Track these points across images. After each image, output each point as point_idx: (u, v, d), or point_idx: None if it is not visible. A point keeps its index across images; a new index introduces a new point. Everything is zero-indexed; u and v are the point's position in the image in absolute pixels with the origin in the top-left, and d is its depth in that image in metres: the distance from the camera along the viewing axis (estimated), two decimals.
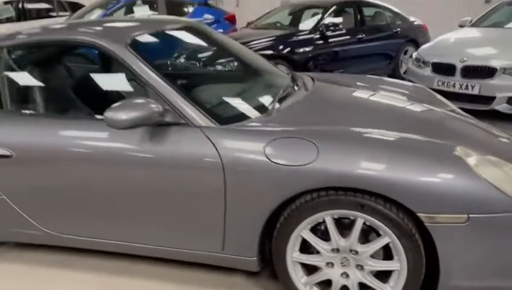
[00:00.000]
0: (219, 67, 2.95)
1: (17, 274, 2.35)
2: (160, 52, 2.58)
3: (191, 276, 2.26)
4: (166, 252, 2.09)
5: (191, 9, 8.17)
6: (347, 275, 1.85)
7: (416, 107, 2.40)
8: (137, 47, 2.10)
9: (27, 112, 2.29)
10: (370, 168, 1.67)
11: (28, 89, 2.30)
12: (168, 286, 2.20)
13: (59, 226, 2.19)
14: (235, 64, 2.85)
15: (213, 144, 1.84)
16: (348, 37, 6.68)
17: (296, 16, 7.62)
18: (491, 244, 1.63)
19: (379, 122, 2.04)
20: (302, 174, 1.72)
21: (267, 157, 1.77)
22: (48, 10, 8.80)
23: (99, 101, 2.12)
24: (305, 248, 1.89)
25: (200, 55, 3.05)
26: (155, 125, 1.90)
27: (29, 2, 8.59)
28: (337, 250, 1.82)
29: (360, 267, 1.82)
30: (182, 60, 3.04)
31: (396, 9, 7.86)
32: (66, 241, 2.23)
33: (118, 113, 1.77)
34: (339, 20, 6.68)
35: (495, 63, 4.77)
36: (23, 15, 8.48)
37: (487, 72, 4.78)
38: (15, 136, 2.10)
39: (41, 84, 2.34)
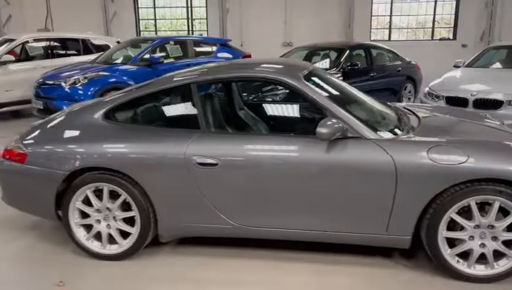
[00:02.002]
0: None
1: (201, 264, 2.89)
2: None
3: (334, 259, 2.89)
4: (339, 236, 2.71)
5: (214, 48, 8.94)
6: (484, 245, 2.55)
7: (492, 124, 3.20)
8: (308, 82, 2.80)
9: (220, 130, 2.88)
10: (506, 163, 2.41)
11: (218, 114, 2.91)
12: (316, 266, 2.81)
13: (247, 220, 2.77)
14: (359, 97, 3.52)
15: (385, 151, 2.54)
16: (363, 74, 7.66)
17: (310, 56, 8.58)
18: None
19: (481, 134, 2.83)
20: (457, 170, 2.44)
21: (430, 159, 2.48)
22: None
23: (281, 122, 2.77)
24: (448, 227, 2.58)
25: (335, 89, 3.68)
26: (338, 139, 2.58)
27: (56, 42, 9.08)
28: (478, 226, 2.53)
29: (494, 238, 2.53)
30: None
31: (395, 51, 8.98)
32: (251, 232, 2.80)
33: (322, 129, 2.45)
34: (357, 60, 7.67)
35: (500, 97, 5.80)
36: (51, 54, 8.96)
37: (495, 103, 5.79)
38: (220, 149, 2.70)
39: (228, 110, 2.96)
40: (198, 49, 8.67)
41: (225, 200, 2.75)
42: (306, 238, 2.80)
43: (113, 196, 2.87)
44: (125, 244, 2.92)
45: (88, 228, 2.98)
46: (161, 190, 2.78)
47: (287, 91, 3.84)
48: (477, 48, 11.09)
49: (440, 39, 11.56)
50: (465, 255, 2.62)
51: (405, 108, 3.52)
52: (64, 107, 7.10)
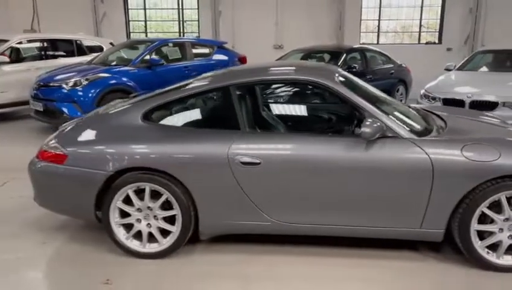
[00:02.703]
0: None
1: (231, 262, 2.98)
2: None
3: (361, 253, 3.03)
4: (375, 231, 2.85)
5: (211, 50, 9.00)
6: None
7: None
8: (342, 84, 2.94)
9: (260, 130, 2.97)
10: None
11: (256, 114, 3.00)
12: (348, 261, 2.95)
13: (287, 217, 2.87)
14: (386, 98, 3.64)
15: (422, 149, 2.69)
16: (360, 77, 7.85)
17: (305, 59, 8.76)
18: None
19: (503, 133, 3.03)
20: (490, 167, 2.61)
21: (464, 157, 2.65)
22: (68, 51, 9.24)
23: (318, 122, 2.89)
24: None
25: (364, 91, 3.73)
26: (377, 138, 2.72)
27: (50, 43, 8.96)
28: (507, 219, 2.71)
29: None
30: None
31: (388, 54, 9.26)
32: (290, 229, 2.91)
33: (367, 129, 2.59)
34: (353, 63, 7.88)
35: (493, 98, 6.10)
36: (44, 55, 8.84)
37: (490, 105, 6.08)
38: (262, 148, 2.80)
39: (261, 110, 3.06)
40: (196, 51, 8.71)
41: (266, 197, 2.85)
42: (343, 234, 2.93)
43: (153, 195, 2.92)
44: (165, 242, 2.98)
45: (127, 227, 3.02)
46: (204, 189, 2.85)
47: (291, 92, 3.96)
48: (461, 51, 11.54)
49: (426, 43, 11.94)
50: (494, 247, 2.79)
51: (424, 109, 3.70)
52: (64, 109, 7.07)
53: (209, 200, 2.88)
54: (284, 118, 3.30)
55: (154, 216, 2.96)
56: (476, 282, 2.75)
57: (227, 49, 9.43)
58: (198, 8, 12.41)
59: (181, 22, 12.79)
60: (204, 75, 3.25)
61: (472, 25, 11.29)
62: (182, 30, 12.83)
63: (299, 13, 11.88)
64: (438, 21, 11.80)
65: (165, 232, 3.00)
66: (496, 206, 2.72)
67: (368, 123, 2.63)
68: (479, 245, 2.77)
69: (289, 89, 3.70)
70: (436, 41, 11.88)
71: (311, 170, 2.77)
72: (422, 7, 11.82)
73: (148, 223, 2.98)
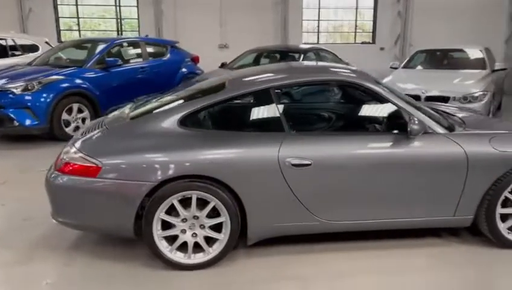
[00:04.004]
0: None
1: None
2: None
3: (394, 244, 3.22)
4: (415, 222, 3.04)
5: (165, 50, 8.72)
6: None
7: None
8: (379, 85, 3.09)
9: (304, 131, 2.97)
10: None
11: (297, 115, 3.01)
12: (383, 252, 3.12)
13: (335, 215, 2.94)
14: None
15: (457, 143, 2.93)
16: None
17: (258, 59, 8.92)
18: None
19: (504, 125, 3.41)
20: None
21: (493, 148, 2.94)
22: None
23: (357, 121, 3.00)
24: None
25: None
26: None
27: None
28: None
29: None
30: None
31: (336, 54, 9.73)
32: (337, 227, 2.98)
33: (415, 126, 2.76)
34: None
35: (446, 94, 6.74)
36: None
37: (443, 99, 6.70)
38: (312, 149, 2.83)
39: (309, 111, 3.08)
40: (150, 50, 8.37)
41: (315, 198, 2.89)
42: (385, 227, 3.08)
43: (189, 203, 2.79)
44: (212, 251, 2.88)
45: (169, 239, 2.86)
46: (254, 193, 2.81)
47: (328, 93, 4.08)
48: (392, 50, 12.52)
49: (362, 43, 12.74)
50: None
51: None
52: (14, 116, 6.33)
53: (259, 204, 2.84)
54: (324, 118, 3.37)
55: (201, 225, 2.85)
56: (498, 258, 3.06)
57: (179, 49, 9.20)
58: (137, 6, 11.89)
59: (119, 20, 12.16)
60: (242, 77, 3.17)
61: (401, 26, 12.27)
62: (119, 29, 12.20)
63: (243, 13, 11.95)
64: (371, 23, 12.64)
65: (209, 241, 2.90)
66: None
67: (416, 121, 2.80)
68: (502, 227, 3.09)
69: (326, 89, 3.78)
70: (371, 41, 12.72)
71: (359, 167, 2.87)
72: (357, 9, 12.58)
73: (194, 233, 2.86)
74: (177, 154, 2.74)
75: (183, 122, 2.92)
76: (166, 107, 3.09)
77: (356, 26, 12.75)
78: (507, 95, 10.25)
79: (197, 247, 2.88)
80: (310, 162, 2.81)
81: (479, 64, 8.01)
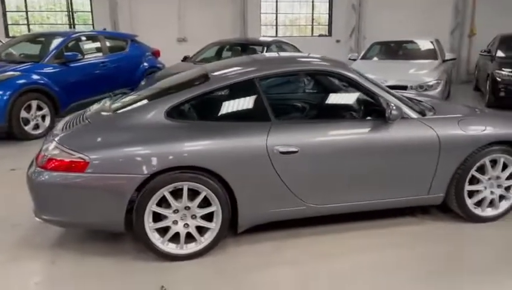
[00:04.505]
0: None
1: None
2: None
3: (377, 224, 3.42)
4: (393, 202, 3.23)
5: (125, 44, 8.51)
6: (493, 193, 3.37)
7: None
8: (357, 74, 3.24)
9: (289, 120, 3.06)
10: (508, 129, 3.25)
11: (281, 104, 3.09)
12: (369, 232, 3.32)
13: (321, 200, 3.07)
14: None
15: (430, 127, 3.15)
16: None
17: (220, 52, 8.95)
18: None
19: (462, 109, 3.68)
20: (480, 136, 3.19)
21: (461, 130, 3.18)
22: None
23: (336, 109, 3.14)
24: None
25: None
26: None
27: None
28: (490, 178, 3.33)
29: (500, 186, 3.37)
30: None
31: (297, 47, 9.90)
32: (323, 210, 3.11)
33: (395, 112, 2.95)
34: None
35: (404, 83, 7.11)
36: None
37: (401, 88, 7.06)
38: (299, 137, 2.93)
39: (293, 100, 3.16)
40: (109, 44, 8.13)
41: (302, 183, 3.00)
42: (366, 208, 3.25)
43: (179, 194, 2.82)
44: (203, 240, 2.92)
45: (160, 230, 2.87)
46: (244, 182, 2.87)
47: (309, 82, 4.20)
48: (348, 43, 12.91)
49: (319, 35, 13.03)
50: (478, 203, 3.41)
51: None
52: None
53: (249, 192, 2.91)
54: (306, 107, 3.47)
55: (192, 215, 2.88)
56: (462, 228, 3.34)
57: (140, 43, 9.01)
58: None
59: (70, 12, 11.67)
60: (228, 68, 3.22)
61: (356, 19, 12.68)
62: (71, 22, 11.71)
63: (202, 6, 11.85)
64: (327, 16, 12.96)
65: (200, 231, 2.93)
66: (481, 169, 3.32)
67: (394, 107, 2.98)
68: (469, 203, 3.36)
69: (307, 79, 3.87)
70: (327, 34, 13.04)
71: (342, 153, 3.01)
72: (313, 2, 12.84)
73: (185, 224, 2.88)
74: (167, 146, 2.75)
75: (170, 114, 2.92)
76: (151, 99, 3.08)
77: (313, 19, 13.02)
78: (454, 84, 10.94)
79: (189, 237, 2.91)
80: (296, 149, 2.92)
81: (431, 54, 8.49)
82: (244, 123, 2.98)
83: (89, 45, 7.72)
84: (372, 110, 3.21)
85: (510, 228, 3.38)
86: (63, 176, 2.70)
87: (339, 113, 3.18)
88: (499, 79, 8.14)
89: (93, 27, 11.50)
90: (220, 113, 3.08)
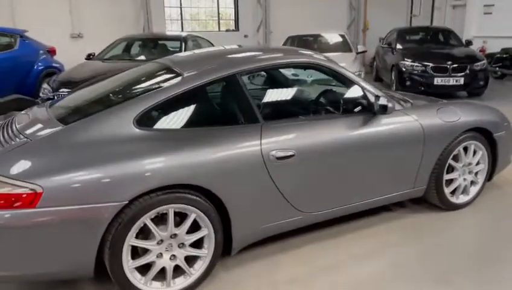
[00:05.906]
0: None
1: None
2: None
3: (361, 225, 3.26)
4: (384, 199, 3.07)
5: (13, 40, 7.23)
6: (465, 179, 3.42)
7: None
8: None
9: (279, 120, 2.66)
10: (481, 116, 3.30)
11: (267, 102, 2.67)
12: (363, 232, 3.14)
13: (316, 206, 2.75)
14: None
15: (412, 117, 3.04)
16: None
17: (129, 49, 8.11)
18: None
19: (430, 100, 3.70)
20: (457, 125, 3.18)
21: (440, 119, 3.13)
22: None
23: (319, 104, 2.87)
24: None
25: None
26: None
27: None
28: (463, 165, 3.36)
29: (471, 172, 3.42)
30: None
31: (211, 42, 9.47)
32: (319, 217, 2.80)
33: (390, 104, 2.77)
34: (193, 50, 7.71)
35: None
36: None
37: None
38: (294, 138, 2.57)
39: (276, 98, 2.76)
40: None
41: (298, 190, 2.66)
42: (359, 209, 3.03)
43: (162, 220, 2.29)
44: (194, 272, 2.41)
45: (140, 268, 2.29)
46: (238, 196, 2.43)
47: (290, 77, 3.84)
48: (256, 37, 12.85)
49: (227, 30, 12.73)
50: (453, 191, 3.43)
51: None
52: None
53: (243, 207, 2.48)
54: (294, 105, 3.07)
55: (179, 244, 2.35)
56: (444, 218, 3.33)
57: (31, 40, 7.73)
58: None
59: None
60: (178, 58, 2.67)
61: (262, 14, 12.66)
62: None
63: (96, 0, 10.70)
64: (233, 10, 12.71)
65: (188, 261, 2.42)
66: (455, 157, 3.33)
67: (385, 99, 2.79)
68: (446, 191, 3.35)
69: (288, 73, 3.45)
70: (234, 28, 12.81)
71: (344, 152, 2.76)
72: None
73: (172, 255, 2.34)
74: (145, 163, 2.18)
75: (140, 121, 2.33)
76: (108, 105, 2.44)
77: (219, 13, 12.66)
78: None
79: (176, 270, 2.38)
80: (293, 153, 2.56)
81: (346, 47, 8.75)
82: (231, 127, 2.52)
83: None
84: (357, 104, 2.97)
85: (483, 210, 3.46)
86: (6, 216, 1.97)
87: (329, 110, 2.90)
88: (404, 69, 8.68)
89: None
90: (201, 118, 2.55)
